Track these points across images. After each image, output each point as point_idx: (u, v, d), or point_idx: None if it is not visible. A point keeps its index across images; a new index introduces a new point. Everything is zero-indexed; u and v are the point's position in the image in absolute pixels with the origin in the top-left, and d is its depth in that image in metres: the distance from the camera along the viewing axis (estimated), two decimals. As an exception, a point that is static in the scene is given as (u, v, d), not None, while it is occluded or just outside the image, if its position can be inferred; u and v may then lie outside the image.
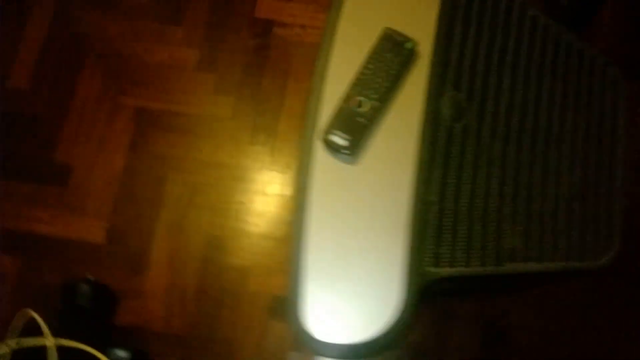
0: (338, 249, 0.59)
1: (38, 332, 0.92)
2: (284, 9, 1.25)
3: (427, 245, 0.60)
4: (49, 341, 0.91)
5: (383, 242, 0.60)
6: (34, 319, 0.93)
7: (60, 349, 0.91)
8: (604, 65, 0.71)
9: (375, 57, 0.65)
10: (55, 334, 0.92)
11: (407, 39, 0.66)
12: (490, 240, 0.62)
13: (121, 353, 0.95)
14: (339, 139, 0.62)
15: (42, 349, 0.91)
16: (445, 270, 0.60)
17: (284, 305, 1.06)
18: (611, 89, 0.71)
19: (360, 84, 0.64)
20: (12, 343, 0.92)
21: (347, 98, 0.64)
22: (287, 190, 1.14)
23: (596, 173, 0.67)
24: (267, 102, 1.20)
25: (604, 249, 0.65)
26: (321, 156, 0.63)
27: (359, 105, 0.64)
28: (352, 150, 0.62)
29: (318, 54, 0.66)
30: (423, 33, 0.67)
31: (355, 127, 0.63)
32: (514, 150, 0.66)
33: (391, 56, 0.65)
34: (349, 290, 0.58)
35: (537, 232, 0.63)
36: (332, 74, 0.66)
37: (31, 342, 0.92)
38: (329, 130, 0.63)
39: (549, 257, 0.63)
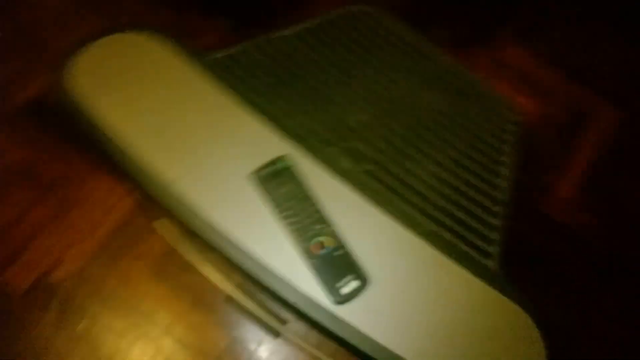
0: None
1: None
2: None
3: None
4: None
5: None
6: None
7: None
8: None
9: (277, 203, 0.57)
10: None
11: (276, 160, 0.59)
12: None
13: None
14: (349, 287, 0.55)
15: None
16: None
17: None
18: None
19: (300, 232, 0.56)
20: None
21: (307, 252, 0.55)
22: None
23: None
24: None
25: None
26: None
27: (323, 246, 0.56)
28: (363, 282, 0.56)
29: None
30: (270, 142, 0.61)
31: (345, 264, 0.56)
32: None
33: (286, 185, 0.58)
34: None
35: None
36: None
37: None
38: (336, 290, 0.54)
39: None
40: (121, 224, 0.89)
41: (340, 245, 0.56)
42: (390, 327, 0.55)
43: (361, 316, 0.55)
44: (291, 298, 0.55)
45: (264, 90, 0.66)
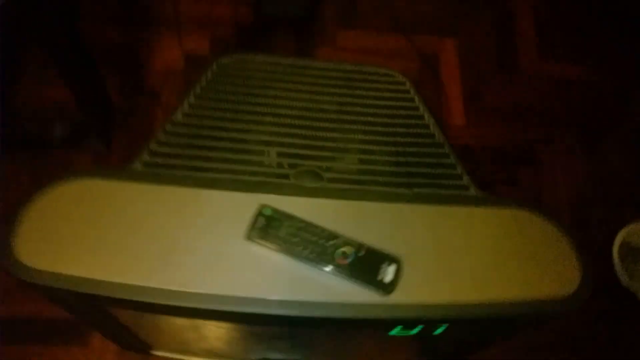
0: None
1: None
2: None
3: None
4: None
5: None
6: None
7: None
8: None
9: (286, 246, 0.59)
10: None
11: (258, 213, 0.61)
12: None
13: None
14: (389, 273, 0.58)
15: None
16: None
17: None
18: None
19: (320, 256, 0.58)
20: None
21: (338, 267, 0.58)
22: None
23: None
24: None
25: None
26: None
27: (346, 255, 0.59)
28: (397, 263, 0.59)
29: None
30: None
31: (373, 259, 0.59)
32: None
33: (282, 227, 0.60)
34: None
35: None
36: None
37: None
38: (381, 282, 0.57)
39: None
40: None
41: (359, 247, 0.59)
42: (443, 286, 0.59)
43: (414, 291, 0.59)
44: (351, 314, 0.57)
45: (196, 162, 0.67)
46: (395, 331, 0.65)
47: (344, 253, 0.59)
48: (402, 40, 1.30)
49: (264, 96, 0.77)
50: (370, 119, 0.76)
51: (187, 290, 0.57)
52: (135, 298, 0.56)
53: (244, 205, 0.61)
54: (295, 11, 1.25)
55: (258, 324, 0.63)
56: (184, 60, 1.20)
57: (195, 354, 0.92)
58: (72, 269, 0.57)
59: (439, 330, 0.66)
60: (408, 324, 0.61)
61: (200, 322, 0.71)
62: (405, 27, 1.32)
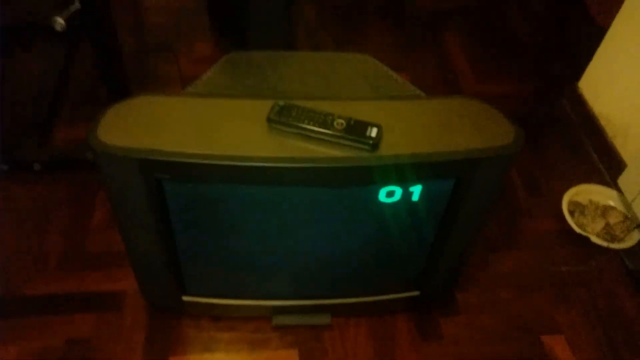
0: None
1: None
2: None
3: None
4: None
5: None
6: None
7: None
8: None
9: (301, 124, 0.80)
10: None
11: (274, 104, 0.83)
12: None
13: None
14: (373, 132, 0.79)
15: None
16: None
17: None
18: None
19: (324, 125, 0.79)
20: None
21: (337, 131, 0.79)
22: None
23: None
24: None
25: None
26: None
27: (342, 124, 0.80)
28: (378, 126, 0.81)
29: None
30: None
31: (361, 124, 0.80)
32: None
33: (293, 113, 0.81)
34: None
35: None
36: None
37: None
38: (367, 137, 0.78)
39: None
40: None
41: (349, 119, 0.81)
42: (412, 144, 0.81)
43: (392, 148, 0.79)
44: (350, 163, 0.77)
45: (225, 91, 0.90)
46: (382, 196, 0.84)
47: (339, 122, 0.80)
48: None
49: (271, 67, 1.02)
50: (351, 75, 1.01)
51: (225, 153, 0.77)
52: (184, 159, 0.76)
53: (263, 105, 0.84)
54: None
55: (282, 180, 0.80)
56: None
57: (224, 295, 1.06)
58: (137, 144, 0.77)
59: (415, 194, 0.85)
60: (389, 177, 0.80)
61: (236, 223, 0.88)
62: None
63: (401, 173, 0.81)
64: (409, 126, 0.84)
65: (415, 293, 1.10)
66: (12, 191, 1.30)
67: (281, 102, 0.83)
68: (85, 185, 1.33)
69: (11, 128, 1.42)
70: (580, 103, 1.61)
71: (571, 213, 1.34)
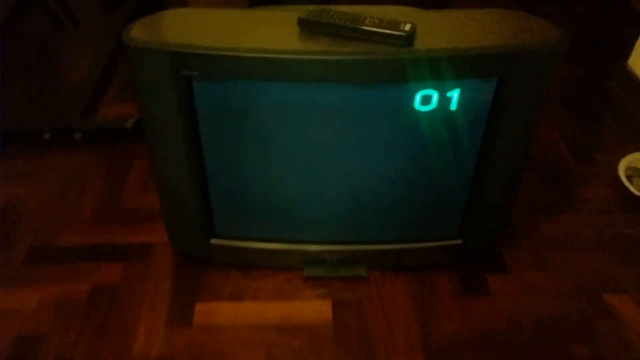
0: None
1: None
2: None
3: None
4: None
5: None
6: None
7: None
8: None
9: (326, 19, 0.78)
10: None
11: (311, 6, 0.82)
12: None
13: None
14: (408, 26, 0.76)
15: None
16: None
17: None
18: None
19: (353, 19, 0.77)
20: None
21: (365, 23, 0.76)
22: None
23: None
24: None
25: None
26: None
27: (372, 21, 0.78)
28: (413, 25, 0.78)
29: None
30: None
31: (395, 23, 0.78)
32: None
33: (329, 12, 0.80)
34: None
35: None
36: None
37: None
38: (402, 30, 0.76)
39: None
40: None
41: (381, 19, 0.78)
42: (450, 40, 0.77)
43: (430, 43, 0.76)
44: (386, 56, 0.74)
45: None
46: (418, 102, 0.80)
47: (371, 20, 0.78)
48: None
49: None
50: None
51: (255, 46, 0.75)
52: (214, 52, 0.74)
53: (293, 14, 0.82)
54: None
55: (313, 75, 0.76)
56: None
57: (255, 238, 1.01)
58: (169, 40, 0.76)
59: (454, 101, 0.80)
60: (424, 73, 0.76)
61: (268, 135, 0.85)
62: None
63: (437, 69, 0.76)
64: (445, 28, 0.81)
65: (458, 242, 1.02)
66: (52, 157, 1.32)
67: (312, 7, 0.81)
68: (123, 154, 1.33)
69: (57, 98, 1.47)
70: (630, 80, 1.54)
71: (629, 178, 1.24)
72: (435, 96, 0.80)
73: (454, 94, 0.80)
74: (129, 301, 1.00)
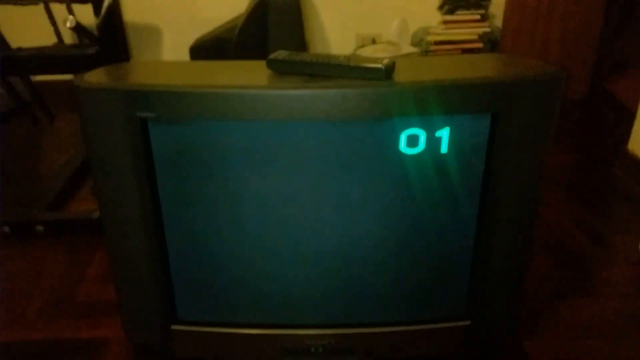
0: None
1: None
2: None
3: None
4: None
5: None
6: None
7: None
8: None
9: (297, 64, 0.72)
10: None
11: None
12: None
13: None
14: (386, 60, 0.70)
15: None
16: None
17: None
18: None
19: (325, 61, 0.71)
20: None
21: (335, 59, 0.70)
22: None
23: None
24: None
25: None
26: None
27: (347, 58, 0.71)
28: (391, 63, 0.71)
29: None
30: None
31: (371, 60, 0.71)
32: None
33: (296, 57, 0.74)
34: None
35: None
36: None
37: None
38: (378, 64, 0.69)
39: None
40: None
41: (355, 56, 0.72)
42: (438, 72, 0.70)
43: (411, 77, 0.69)
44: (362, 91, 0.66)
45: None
46: (403, 143, 0.70)
47: (345, 58, 0.71)
48: None
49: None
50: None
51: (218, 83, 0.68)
52: (172, 89, 0.67)
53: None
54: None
55: (283, 112, 0.67)
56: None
57: (223, 323, 0.85)
58: (123, 82, 0.69)
59: (444, 142, 0.71)
60: (407, 107, 0.67)
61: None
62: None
63: (421, 102, 0.68)
64: (428, 64, 0.74)
65: (466, 323, 0.86)
66: (10, 251, 1.19)
67: (282, 51, 0.75)
68: (86, 247, 1.21)
69: (23, 192, 1.38)
70: (634, 162, 1.46)
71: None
72: (422, 136, 0.71)
73: (444, 134, 0.71)
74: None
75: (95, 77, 0.72)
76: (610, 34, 2.04)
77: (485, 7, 2.16)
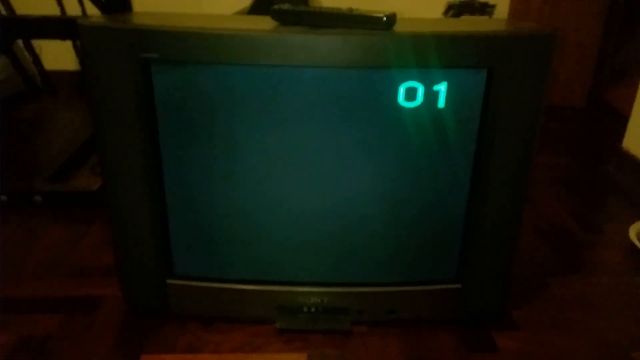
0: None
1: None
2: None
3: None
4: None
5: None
6: None
7: None
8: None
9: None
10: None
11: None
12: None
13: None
14: (385, 14, 0.72)
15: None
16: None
17: None
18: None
19: (319, 9, 0.73)
20: None
21: (337, 10, 0.72)
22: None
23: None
24: None
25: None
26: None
27: (340, 9, 0.74)
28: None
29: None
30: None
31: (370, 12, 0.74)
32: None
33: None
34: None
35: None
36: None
37: None
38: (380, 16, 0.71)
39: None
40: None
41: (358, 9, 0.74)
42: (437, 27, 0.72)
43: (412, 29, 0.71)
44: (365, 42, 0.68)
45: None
46: (401, 96, 0.72)
47: (348, 9, 0.73)
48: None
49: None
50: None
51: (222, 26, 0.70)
52: (176, 29, 0.69)
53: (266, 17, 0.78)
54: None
55: (283, 56, 0.69)
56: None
57: (219, 279, 0.86)
58: (128, 23, 0.71)
59: (441, 97, 0.73)
60: (406, 58, 0.69)
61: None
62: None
63: (420, 53, 0.70)
64: (428, 21, 0.77)
65: (457, 286, 0.87)
66: (6, 218, 1.20)
67: (286, 4, 0.78)
68: (84, 218, 1.21)
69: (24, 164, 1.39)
70: (628, 159, 1.48)
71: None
72: (420, 90, 0.73)
73: (441, 88, 0.73)
74: (59, 354, 0.81)
75: (101, 20, 0.74)
76: (611, 44, 2.09)
77: (490, 14, 2.21)
